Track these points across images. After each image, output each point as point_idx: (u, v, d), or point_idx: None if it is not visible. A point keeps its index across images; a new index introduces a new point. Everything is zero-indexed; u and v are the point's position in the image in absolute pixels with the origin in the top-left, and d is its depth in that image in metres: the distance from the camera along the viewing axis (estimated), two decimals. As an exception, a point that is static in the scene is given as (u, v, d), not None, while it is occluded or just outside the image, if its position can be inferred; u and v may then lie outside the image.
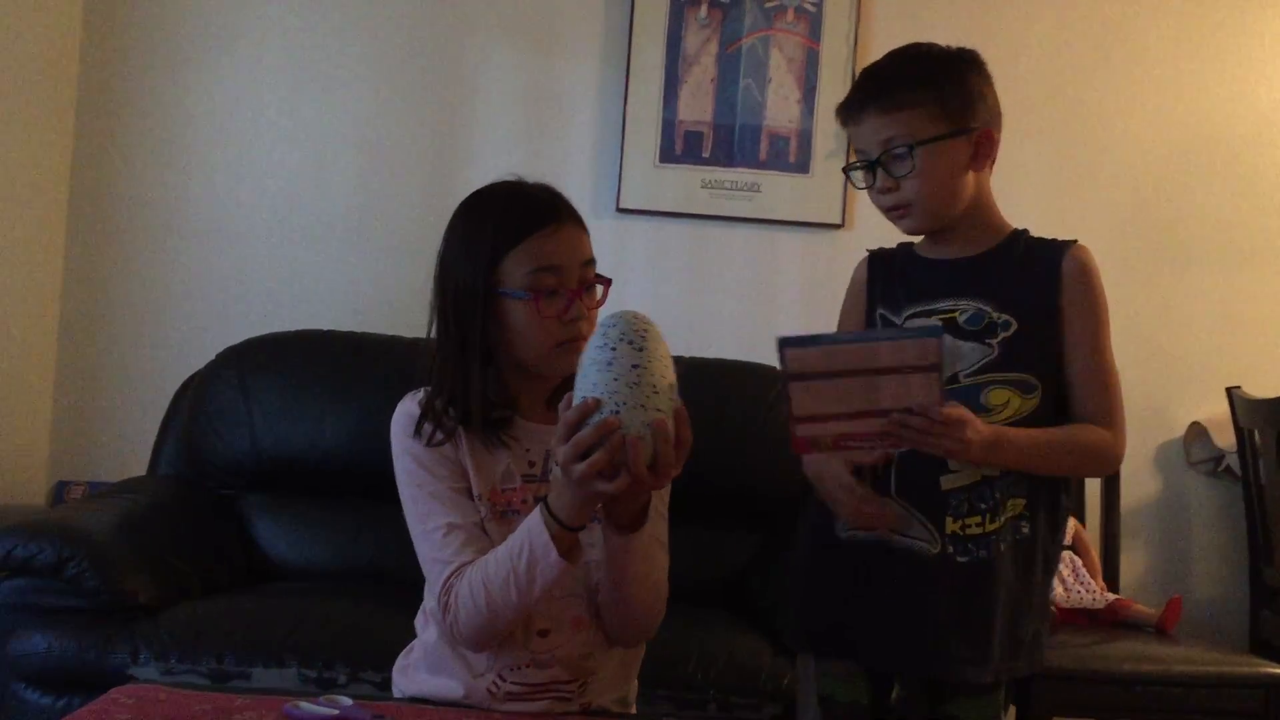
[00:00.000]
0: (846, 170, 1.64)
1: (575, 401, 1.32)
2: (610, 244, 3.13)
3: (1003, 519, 1.53)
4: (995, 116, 1.60)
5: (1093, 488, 3.05)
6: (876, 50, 3.15)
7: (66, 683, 2.21)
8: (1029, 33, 3.23)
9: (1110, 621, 2.72)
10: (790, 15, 3.19)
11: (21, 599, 2.26)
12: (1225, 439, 3.11)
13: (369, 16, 3.21)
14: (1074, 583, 2.75)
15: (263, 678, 2.18)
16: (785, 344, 1.34)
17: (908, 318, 1.61)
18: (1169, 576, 3.23)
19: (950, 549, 1.52)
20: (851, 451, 1.47)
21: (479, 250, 1.51)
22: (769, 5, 3.19)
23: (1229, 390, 3.03)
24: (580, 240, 1.54)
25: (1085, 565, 2.81)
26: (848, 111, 1.60)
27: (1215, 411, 3.14)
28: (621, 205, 3.19)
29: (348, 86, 3.21)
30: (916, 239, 1.67)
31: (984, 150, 1.58)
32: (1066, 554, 2.77)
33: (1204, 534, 3.26)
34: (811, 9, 3.19)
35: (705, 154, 3.20)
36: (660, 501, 1.60)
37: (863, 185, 1.60)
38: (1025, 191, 2.97)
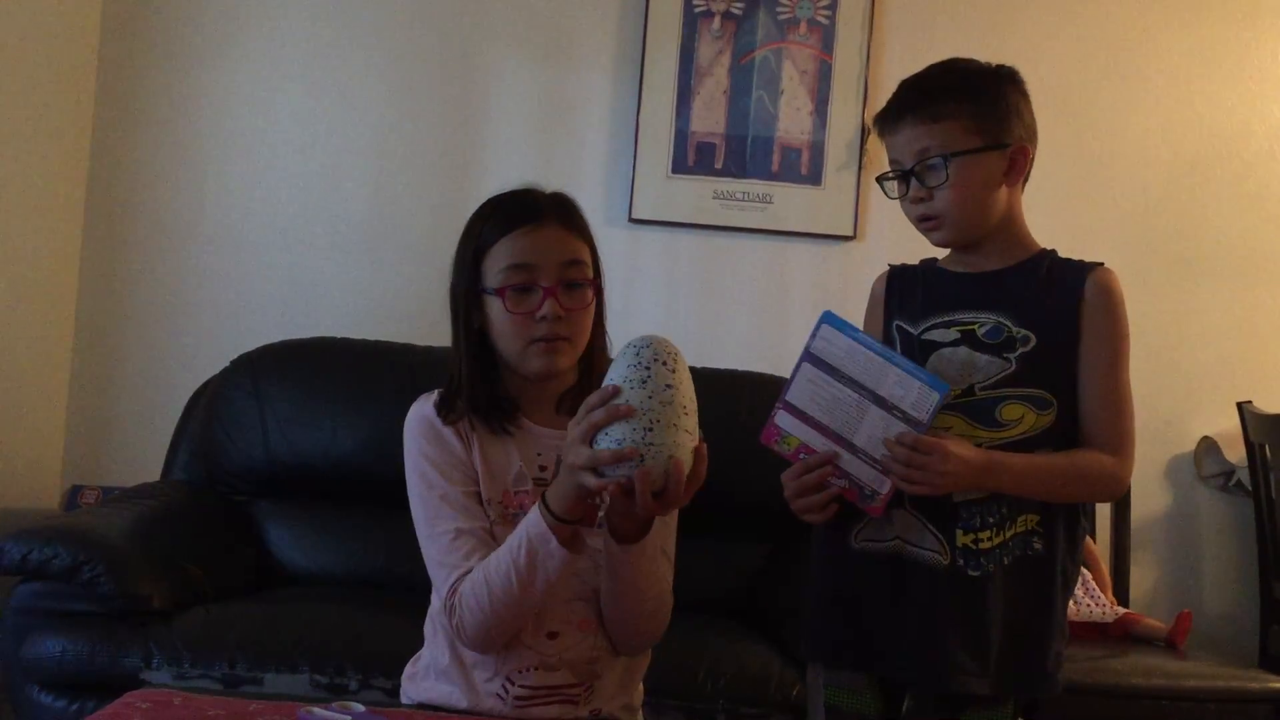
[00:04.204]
0: (881, 180, 1.63)
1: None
2: (622, 254, 3.15)
3: (1010, 533, 1.53)
4: (1031, 134, 1.61)
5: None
6: (889, 63, 3.19)
7: (80, 686, 2.22)
8: (1041, 47, 3.24)
9: (1120, 636, 2.71)
10: (803, 28, 3.21)
11: (36, 603, 2.28)
12: (1236, 454, 3.11)
13: (384, 26, 3.24)
14: (1084, 597, 2.74)
15: (275, 683, 2.19)
16: (827, 319, 1.49)
17: (925, 329, 1.60)
18: (1179, 591, 3.23)
19: (960, 561, 1.52)
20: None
21: (467, 248, 1.57)
22: (782, 18, 3.21)
23: (1240, 405, 3.02)
24: (562, 240, 1.55)
25: (1095, 579, 2.80)
26: (885, 121, 1.60)
27: (1226, 426, 3.13)
28: (634, 216, 3.20)
29: (362, 96, 3.24)
30: (941, 254, 1.67)
31: (1018, 166, 1.58)
32: (1077, 568, 2.77)
33: (1214, 548, 3.25)
34: (824, 22, 3.20)
35: (717, 165, 3.21)
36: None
37: (895, 195, 1.60)
38: (1036, 205, 2.92)
